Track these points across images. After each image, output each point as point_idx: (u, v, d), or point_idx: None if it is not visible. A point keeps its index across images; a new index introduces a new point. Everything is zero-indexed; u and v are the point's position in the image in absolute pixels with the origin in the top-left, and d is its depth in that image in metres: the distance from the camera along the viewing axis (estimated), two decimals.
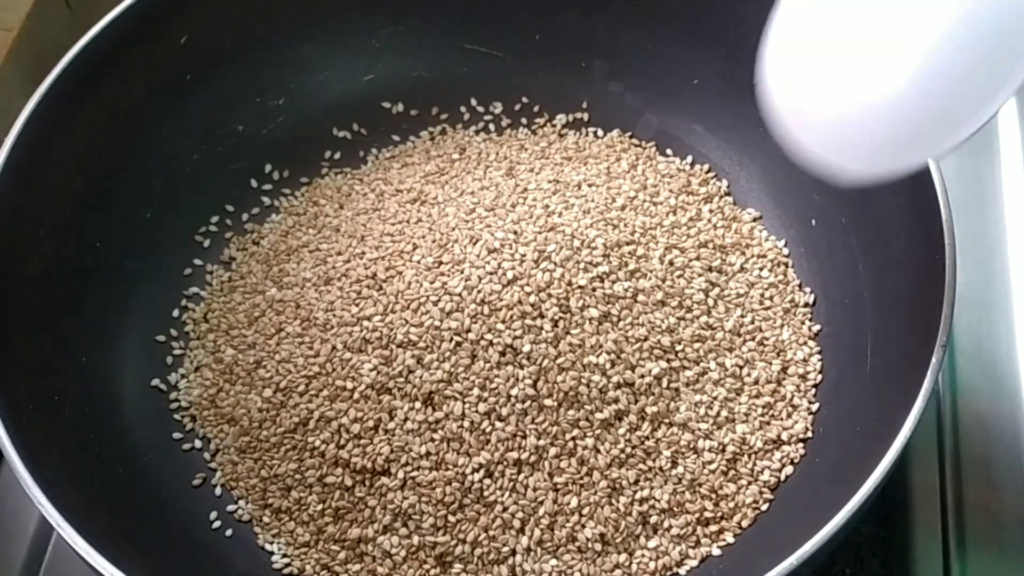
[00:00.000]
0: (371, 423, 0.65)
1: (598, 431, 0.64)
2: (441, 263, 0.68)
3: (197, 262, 0.76)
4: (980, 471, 0.69)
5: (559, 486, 0.64)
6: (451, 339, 0.65)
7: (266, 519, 0.66)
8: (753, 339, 0.70)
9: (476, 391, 0.64)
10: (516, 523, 0.63)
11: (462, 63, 0.81)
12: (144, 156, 0.75)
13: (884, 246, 0.70)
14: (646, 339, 0.66)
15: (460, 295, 0.66)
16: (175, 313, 0.74)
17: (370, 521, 0.64)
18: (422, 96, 0.81)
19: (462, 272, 0.66)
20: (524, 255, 0.67)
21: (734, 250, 0.73)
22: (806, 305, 0.72)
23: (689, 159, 0.78)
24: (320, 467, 0.65)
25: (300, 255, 0.74)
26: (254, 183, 0.79)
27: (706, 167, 0.78)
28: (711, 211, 0.75)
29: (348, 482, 0.65)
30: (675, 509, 0.64)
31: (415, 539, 0.63)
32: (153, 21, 0.73)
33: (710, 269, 0.71)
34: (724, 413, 0.67)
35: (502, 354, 0.64)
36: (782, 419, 0.67)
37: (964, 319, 0.71)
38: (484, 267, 0.66)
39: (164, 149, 0.76)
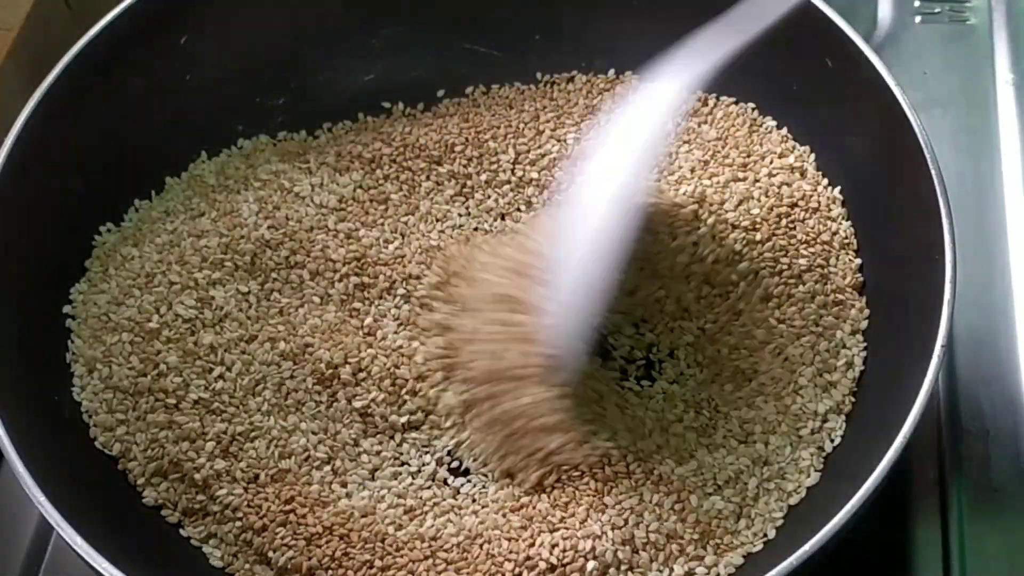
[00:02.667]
0: None
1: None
2: None
3: None
4: (980, 471, 0.69)
5: None
6: None
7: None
8: None
9: None
10: None
11: (462, 63, 0.81)
12: (144, 157, 0.75)
13: (883, 247, 0.70)
14: None
15: None
16: None
17: None
18: (422, 96, 0.81)
19: None
20: None
21: None
22: None
23: None
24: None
25: None
26: None
27: None
28: None
29: None
30: None
31: None
32: (153, 21, 0.73)
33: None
34: None
35: None
36: None
37: (964, 319, 0.71)
38: None
39: (164, 150, 0.76)
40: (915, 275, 0.64)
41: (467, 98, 0.80)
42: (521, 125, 0.77)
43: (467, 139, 0.76)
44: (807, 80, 0.72)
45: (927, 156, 0.65)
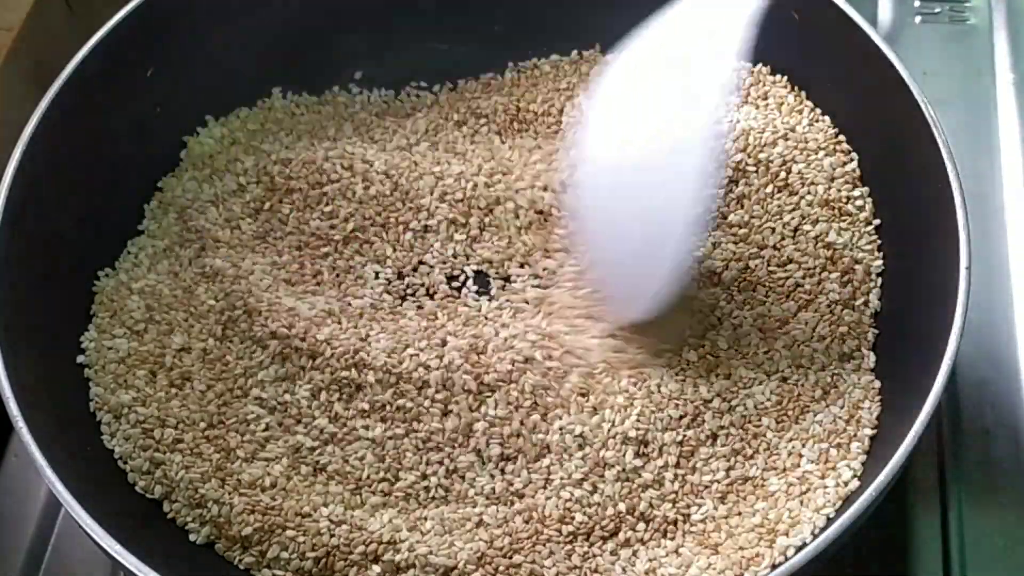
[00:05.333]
0: None
1: None
2: None
3: None
4: (980, 471, 0.69)
5: None
6: None
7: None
8: None
9: None
10: None
11: (438, 60, 0.81)
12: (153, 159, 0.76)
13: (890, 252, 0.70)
14: None
15: None
16: None
17: None
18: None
19: None
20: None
21: None
22: None
23: None
24: None
25: None
26: None
27: None
28: None
29: None
30: None
31: None
32: (162, 21, 0.74)
33: None
34: None
35: None
36: None
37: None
38: None
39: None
40: (925, 295, 0.65)
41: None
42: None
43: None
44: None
45: (936, 133, 0.66)
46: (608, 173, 0.66)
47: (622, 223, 0.66)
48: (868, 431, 0.64)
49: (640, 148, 0.65)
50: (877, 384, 0.66)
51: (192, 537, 0.63)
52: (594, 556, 0.62)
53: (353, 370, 0.67)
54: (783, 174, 0.71)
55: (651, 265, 0.64)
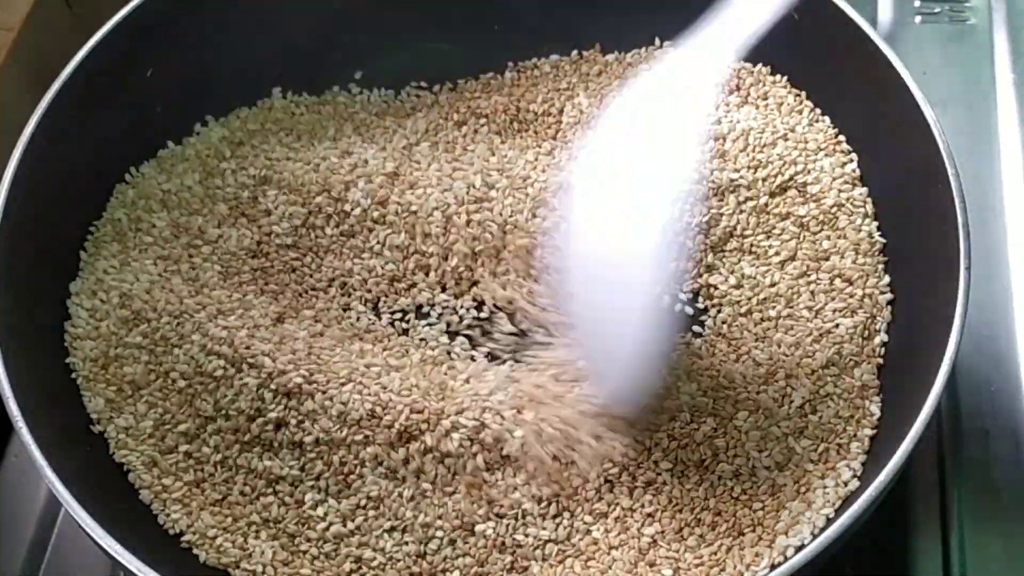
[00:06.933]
0: None
1: None
2: None
3: None
4: (980, 471, 0.69)
5: None
6: None
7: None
8: None
9: None
10: None
11: (438, 60, 0.81)
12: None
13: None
14: None
15: None
16: None
17: None
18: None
19: None
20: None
21: None
22: None
23: None
24: None
25: None
26: None
27: None
28: None
29: None
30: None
31: None
32: (163, 21, 0.74)
33: None
34: None
35: None
36: None
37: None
38: None
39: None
40: (926, 300, 0.65)
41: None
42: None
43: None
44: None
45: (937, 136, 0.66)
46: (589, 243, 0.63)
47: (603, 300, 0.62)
48: (868, 431, 0.64)
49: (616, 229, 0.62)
50: (877, 384, 0.66)
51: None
52: None
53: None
54: (783, 174, 0.72)
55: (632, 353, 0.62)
